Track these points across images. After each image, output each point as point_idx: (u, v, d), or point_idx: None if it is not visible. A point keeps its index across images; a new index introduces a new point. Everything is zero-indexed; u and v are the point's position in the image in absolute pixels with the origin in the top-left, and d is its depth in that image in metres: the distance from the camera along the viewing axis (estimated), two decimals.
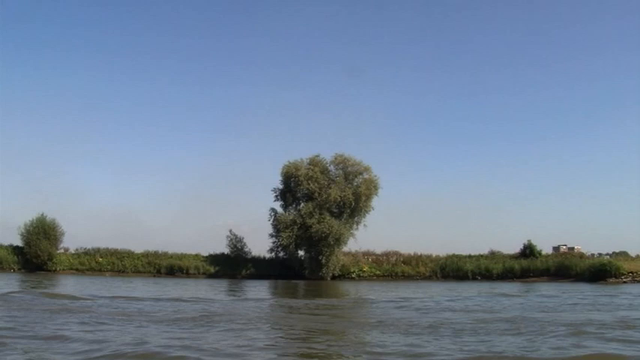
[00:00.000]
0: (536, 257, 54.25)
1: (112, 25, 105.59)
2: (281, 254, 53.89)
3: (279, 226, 52.16)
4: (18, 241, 54.50)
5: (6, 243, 55.82)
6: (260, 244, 56.47)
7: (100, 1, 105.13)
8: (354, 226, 53.16)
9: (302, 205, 52.66)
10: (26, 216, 55.30)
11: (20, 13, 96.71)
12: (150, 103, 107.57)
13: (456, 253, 56.59)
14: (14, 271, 53.05)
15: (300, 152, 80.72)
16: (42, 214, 54.40)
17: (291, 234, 51.29)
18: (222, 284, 43.32)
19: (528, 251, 54.53)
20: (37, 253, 52.78)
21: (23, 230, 53.58)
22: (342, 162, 53.33)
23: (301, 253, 53.80)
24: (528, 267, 53.14)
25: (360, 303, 26.33)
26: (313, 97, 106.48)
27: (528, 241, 55.13)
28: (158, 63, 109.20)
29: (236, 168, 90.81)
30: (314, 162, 53.44)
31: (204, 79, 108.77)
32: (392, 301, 24.98)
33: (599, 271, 48.79)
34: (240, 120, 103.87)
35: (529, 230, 77.38)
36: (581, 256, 55.02)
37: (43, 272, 52.10)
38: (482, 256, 56.46)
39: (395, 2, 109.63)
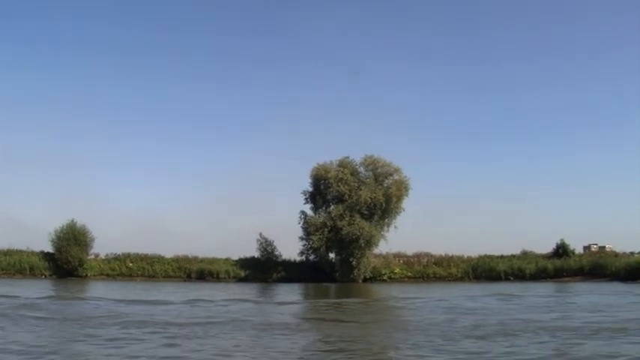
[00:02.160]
0: (570, 257, 53.59)
1: (140, 26, 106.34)
2: (311, 257, 53.55)
3: (309, 228, 51.82)
4: (49, 248, 54.60)
5: (37, 249, 55.90)
6: (290, 247, 56.18)
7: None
8: (385, 227, 52.71)
9: (332, 207, 52.32)
10: (56, 222, 55.27)
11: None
12: (177, 106, 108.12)
13: (488, 253, 55.98)
14: (45, 277, 53.07)
15: (329, 153, 80.00)
16: (72, 220, 54.36)
17: (321, 236, 50.92)
18: (264, 288, 43.27)
19: (561, 251, 53.83)
20: (67, 259, 52.69)
21: (54, 236, 53.50)
22: (371, 163, 52.94)
23: (332, 255, 53.39)
24: (562, 267, 52.40)
25: None
26: (339, 96, 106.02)
27: (561, 240, 54.36)
28: (186, 63, 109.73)
29: (265, 170, 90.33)
30: (344, 164, 53.12)
31: (234, 80, 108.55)
32: None
33: (636, 270, 48.07)
34: (268, 122, 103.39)
35: (559, 230, 76.16)
36: (616, 254, 54.29)
37: (74, 278, 52.07)
38: (514, 256, 55.74)
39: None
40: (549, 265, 52.88)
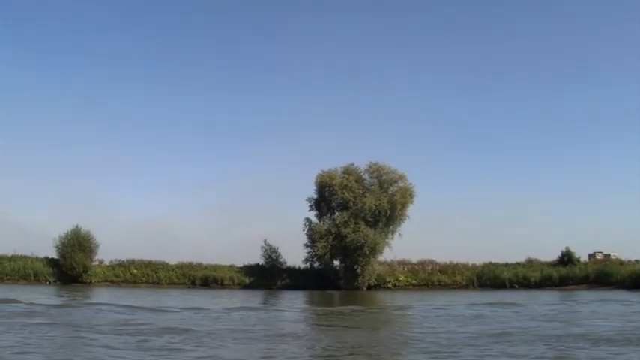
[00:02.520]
0: (575, 264, 53.36)
1: (140, 32, 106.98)
2: (316, 264, 53.57)
3: (314, 235, 51.85)
4: (53, 253, 54.67)
5: (41, 255, 55.96)
6: (295, 255, 56.19)
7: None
8: (390, 235, 52.78)
9: (337, 214, 52.34)
10: (61, 228, 55.44)
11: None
12: (178, 112, 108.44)
13: (493, 261, 55.85)
14: (50, 283, 53.18)
15: (333, 160, 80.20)
16: (77, 226, 54.51)
17: (326, 244, 50.94)
18: (268, 295, 43.22)
19: (566, 258, 53.64)
20: (72, 265, 52.76)
21: (58, 242, 53.62)
22: (376, 170, 53.02)
23: (336, 262, 53.48)
24: (567, 274, 52.24)
25: None
26: (342, 103, 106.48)
27: (566, 248, 54.31)
28: (186, 71, 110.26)
29: (269, 177, 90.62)
30: (348, 171, 53.17)
31: (236, 87, 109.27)
32: None
33: None
34: (271, 129, 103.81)
35: (564, 237, 75.90)
36: (621, 262, 53.98)
37: (78, 284, 52.14)
38: (519, 264, 55.58)
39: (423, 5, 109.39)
40: (554, 272, 52.70)
